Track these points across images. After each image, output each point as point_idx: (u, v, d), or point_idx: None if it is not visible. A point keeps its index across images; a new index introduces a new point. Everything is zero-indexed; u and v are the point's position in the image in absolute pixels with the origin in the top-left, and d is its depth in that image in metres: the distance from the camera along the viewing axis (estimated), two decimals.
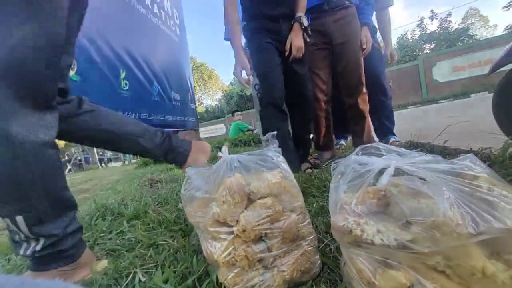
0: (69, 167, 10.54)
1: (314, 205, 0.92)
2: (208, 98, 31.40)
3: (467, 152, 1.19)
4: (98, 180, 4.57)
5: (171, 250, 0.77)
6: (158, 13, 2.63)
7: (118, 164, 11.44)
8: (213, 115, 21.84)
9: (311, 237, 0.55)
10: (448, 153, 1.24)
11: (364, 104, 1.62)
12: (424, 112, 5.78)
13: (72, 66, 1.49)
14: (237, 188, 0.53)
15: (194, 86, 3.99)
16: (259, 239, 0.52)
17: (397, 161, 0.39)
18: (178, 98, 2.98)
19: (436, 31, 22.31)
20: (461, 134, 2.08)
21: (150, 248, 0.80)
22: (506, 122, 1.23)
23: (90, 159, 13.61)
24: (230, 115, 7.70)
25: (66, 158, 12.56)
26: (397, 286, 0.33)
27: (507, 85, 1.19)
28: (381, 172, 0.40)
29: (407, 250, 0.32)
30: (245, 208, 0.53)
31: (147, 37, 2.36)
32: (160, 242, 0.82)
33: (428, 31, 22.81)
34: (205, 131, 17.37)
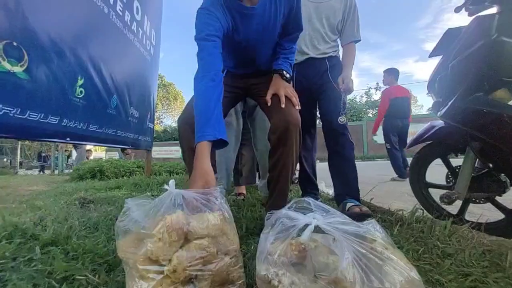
0: None
1: (252, 247, 0.94)
2: (169, 118, 30.43)
3: (387, 211, 1.40)
4: (13, 188, 3.82)
5: (89, 287, 0.69)
6: (135, 30, 2.64)
7: (46, 172, 9.81)
8: (170, 136, 21.01)
9: (239, 282, 0.57)
10: (372, 210, 1.43)
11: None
12: (362, 168, 6.53)
13: (23, 63, 1.37)
14: (176, 226, 0.54)
15: (157, 104, 3.89)
16: (189, 280, 0.52)
17: (318, 220, 0.47)
18: (137, 115, 2.87)
19: (378, 100, 26.70)
20: (388, 193, 2.42)
21: (64, 283, 0.71)
22: (416, 189, 1.51)
23: (8, 161, 11.42)
24: None
25: None
26: None
27: (416, 161, 1.50)
28: (304, 227, 0.47)
29: None
30: (180, 247, 0.54)
31: (117, 50, 2.32)
32: (78, 277, 0.73)
33: (372, 99, 27.10)
34: (159, 151, 16.41)
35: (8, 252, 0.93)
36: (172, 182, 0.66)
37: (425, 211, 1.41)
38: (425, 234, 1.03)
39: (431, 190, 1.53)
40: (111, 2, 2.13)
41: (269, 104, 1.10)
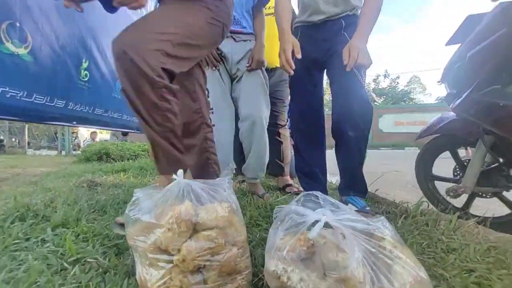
0: None
1: (257, 235, 0.96)
2: None
3: (391, 203, 1.41)
4: (22, 168, 3.92)
5: (100, 269, 0.72)
6: (139, 11, 2.56)
7: (53, 152, 9.97)
8: None
9: (246, 272, 0.58)
10: (377, 201, 1.43)
11: None
12: (367, 156, 6.53)
13: (27, 44, 1.35)
14: (185, 217, 0.54)
15: None
16: (197, 270, 0.53)
17: (327, 217, 0.46)
18: None
19: (386, 88, 26.24)
20: (392, 183, 2.41)
21: (75, 265, 0.73)
22: (422, 181, 1.50)
23: (17, 140, 11.62)
24: None
25: None
26: None
27: (424, 153, 1.48)
28: (313, 224, 0.47)
29: None
30: (189, 238, 0.55)
31: (119, 30, 2.26)
32: (89, 260, 0.76)
33: (380, 87, 26.59)
34: None
35: (21, 232, 0.96)
36: (180, 172, 0.66)
37: (430, 204, 1.41)
38: (430, 227, 1.03)
39: (436, 183, 1.53)
40: None
41: None
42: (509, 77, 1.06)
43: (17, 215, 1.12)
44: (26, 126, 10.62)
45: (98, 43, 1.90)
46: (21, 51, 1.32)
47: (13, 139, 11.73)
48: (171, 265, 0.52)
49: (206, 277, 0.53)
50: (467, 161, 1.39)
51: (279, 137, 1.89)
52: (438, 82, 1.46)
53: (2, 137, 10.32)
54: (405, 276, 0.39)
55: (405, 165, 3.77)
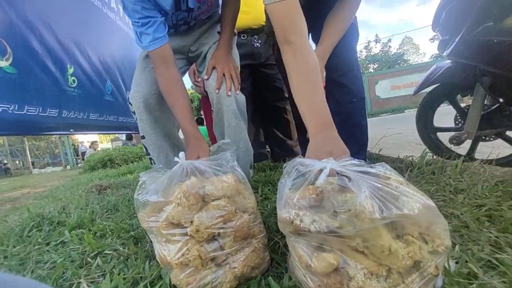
0: None
1: (268, 206, 0.98)
2: None
3: (396, 159, 1.41)
4: (30, 187, 3.97)
5: (121, 258, 0.74)
6: (115, 8, 2.48)
7: (58, 168, 10.04)
8: None
9: (261, 235, 0.60)
10: (382, 160, 1.44)
11: None
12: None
13: (7, 56, 1.32)
14: (192, 191, 0.55)
15: None
16: (212, 238, 0.55)
17: (332, 164, 0.47)
18: None
19: (379, 53, 25.73)
20: (395, 144, 2.42)
21: (97, 257, 0.76)
22: (424, 134, 1.50)
23: (21, 162, 11.67)
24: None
25: None
26: (328, 266, 0.40)
27: (424, 106, 1.46)
28: (319, 172, 0.47)
29: (335, 234, 0.39)
30: (200, 210, 0.56)
31: (101, 32, 2.20)
32: (107, 252, 0.78)
33: (372, 53, 26.07)
34: None
35: (40, 238, 0.99)
36: (182, 154, 0.67)
37: (434, 155, 1.42)
38: (436, 175, 1.04)
39: (439, 135, 1.52)
40: None
41: None
42: (500, 12, 1.03)
43: (33, 224, 1.14)
44: (27, 146, 10.64)
45: (81, 46, 1.86)
46: (3, 63, 1.29)
47: (17, 162, 11.77)
48: (186, 237, 0.54)
49: (222, 244, 0.55)
50: (467, 107, 1.38)
51: (286, 114, 1.62)
52: (431, 39, 1.43)
53: (5, 161, 10.36)
54: (412, 203, 0.40)
55: (406, 127, 3.76)
